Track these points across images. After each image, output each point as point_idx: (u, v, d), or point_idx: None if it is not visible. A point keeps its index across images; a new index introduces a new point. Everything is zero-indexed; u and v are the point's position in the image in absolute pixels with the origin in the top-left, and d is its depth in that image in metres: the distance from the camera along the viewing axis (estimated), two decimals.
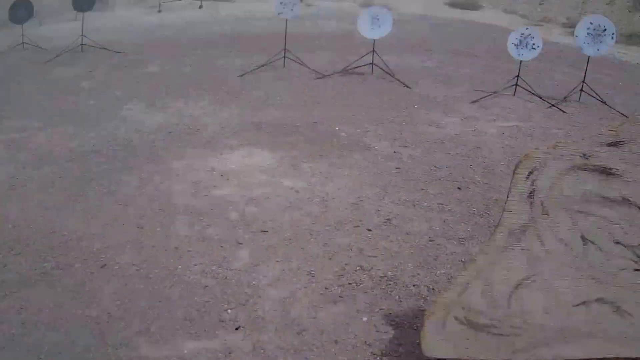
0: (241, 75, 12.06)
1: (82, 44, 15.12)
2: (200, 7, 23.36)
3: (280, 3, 12.58)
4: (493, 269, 3.64)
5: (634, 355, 4.10)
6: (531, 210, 3.56)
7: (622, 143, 3.57)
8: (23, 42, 15.43)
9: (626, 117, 10.47)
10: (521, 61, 11.33)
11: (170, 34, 17.76)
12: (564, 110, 10.91)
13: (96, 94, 11.18)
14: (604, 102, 11.41)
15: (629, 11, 22.66)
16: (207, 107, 10.14)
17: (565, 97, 11.58)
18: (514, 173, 3.54)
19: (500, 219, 3.57)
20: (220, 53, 14.59)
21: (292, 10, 12.56)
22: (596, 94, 11.52)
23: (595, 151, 3.58)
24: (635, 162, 3.61)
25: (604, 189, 3.62)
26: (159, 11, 22.83)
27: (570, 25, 19.77)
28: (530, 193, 3.53)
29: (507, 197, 3.55)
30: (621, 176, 3.61)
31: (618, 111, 11.03)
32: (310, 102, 10.42)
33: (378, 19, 12.06)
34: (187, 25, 19.51)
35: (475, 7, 23.95)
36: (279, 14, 12.61)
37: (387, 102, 10.68)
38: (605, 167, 3.60)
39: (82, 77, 12.52)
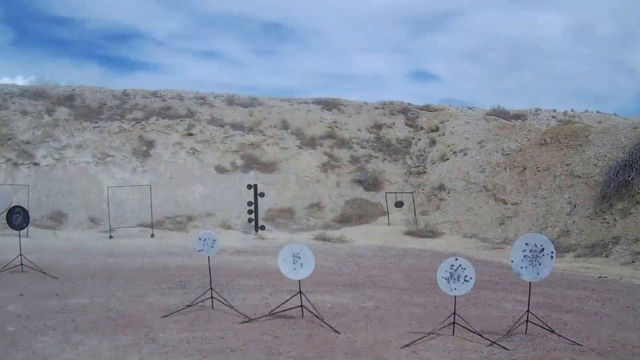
0: (165, 316, 11.22)
1: (22, 264, 15.61)
2: (152, 235, 23.65)
3: (200, 239, 12.01)
4: None
5: None
6: None
7: None
8: None
9: (579, 344, 9.53)
10: (455, 296, 10.18)
11: (113, 262, 17.61)
12: (506, 347, 9.77)
13: (18, 320, 10.75)
14: (552, 331, 10.33)
15: (591, 219, 22.27)
16: (120, 349, 9.22)
17: (509, 331, 10.48)
18: None
19: None
20: (155, 286, 14.16)
21: (212, 247, 11.88)
22: (543, 323, 10.45)
23: None
24: None
25: None
26: (110, 237, 23.26)
27: None
28: None
29: None
30: None
31: (568, 339, 9.91)
32: (228, 358, 9.34)
33: (299, 258, 11.11)
34: (133, 254, 19.37)
35: (435, 234, 23.60)
36: (199, 251, 11.97)
37: (312, 353, 9.60)
38: None
39: (10, 300, 12.41)
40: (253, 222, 24.51)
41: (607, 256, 19.54)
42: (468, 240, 22.64)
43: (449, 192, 27.96)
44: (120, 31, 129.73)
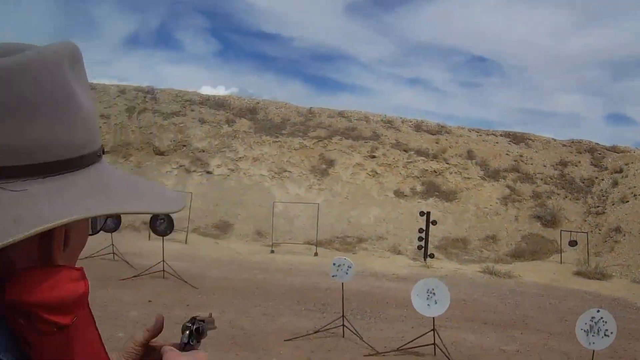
0: (288, 339, 11.27)
1: (163, 271, 15.97)
2: (316, 254, 23.88)
3: (334, 264, 11.94)
4: None
5: None
6: None
7: None
8: (113, 252, 17.42)
9: None
10: (594, 351, 9.59)
11: (263, 277, 18.02)
12: None
13: (133, 326, 10.91)
14: None
15: None
16: None
17: None
18: None
19: None
20: (294, 307, 14.26)
21: (346, 273, 11.78)
22: None
23: None
24: None
25: None
26: (272, 252, 23.76)
27: None
28: None
29: None
30: None
31: None
32: None
33: (434, 294, 10.79)
34: (288, 271, 19.74)
35: (604, 277, 22.91)
36: (333, 276, 11.94)
37: None
38: None
39: (136, 305, 12.75)
40: (422, 250, 24.64)
41: None
42: (636, 286, 21.71)
43: (624, 235, 26.98)
44: (327, 52, 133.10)
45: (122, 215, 18.13)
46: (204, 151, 32.63)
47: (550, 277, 22.69)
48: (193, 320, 1.82)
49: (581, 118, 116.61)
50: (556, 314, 16.44)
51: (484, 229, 29.80)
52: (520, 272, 23.43)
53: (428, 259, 24.44)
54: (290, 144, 34.07)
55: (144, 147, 33.14)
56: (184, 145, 33.03)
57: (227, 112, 36.68)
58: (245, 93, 42.86)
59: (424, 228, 24.68)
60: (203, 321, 1.87)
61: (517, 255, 27.34)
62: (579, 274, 23.31)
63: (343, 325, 11.80)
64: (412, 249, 26.03)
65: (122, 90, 38.64)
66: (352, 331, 11.65)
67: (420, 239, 24.62)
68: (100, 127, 32.68)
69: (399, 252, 26.03)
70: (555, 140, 39.00)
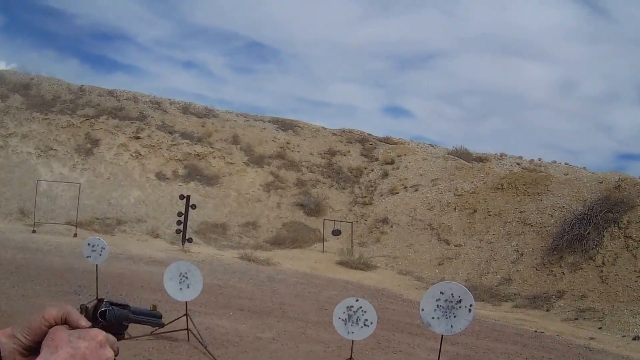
0: None
1: None
2: (75, 235, 22.63)
3: (89, 245, 11.25)
4: None
5: None
6: None
7: None
8: None
9: None
10: (353, 341, 8.96)
11: (22, 257, 17.14)
12: None
13: None
14: None
15: (536, 269, 21.73)
16: None
17: None
18: None
19: None
20: (51, 289, 13.57)
21: (100, 255, 11.07)
22: None
23: None
24: None
25: None
26: (34, 231, 22.46)
27: (469, 288, 18.17)
28: None
29: None
30: None
31: None
32: None
33: (187, 278, 10.08)
34: (48, 252, 18.91)
35: (368, 267, 22.70)
36: (87, 257, 11.23)
37: None
38: None
39: None
40: (181, 234, 23.59)
41: (548, 310, 18.85)
42: (402, 277, 21.90)
43: (391, 226, 27.25)
44: (106, 30, 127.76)
45: None
46: None
47: (310, 266, 22.46)
48: (101, 300, 1.51)
49: (357, 109, 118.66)
50: (315, 302, 16.01)
51: (245, 215, 29.32)
52: (279, 259, 23.01)
53: (186, 244, 23.42)
54: (59, 121, 32.27)
55: None
56: None
57: (2, 87, 34.31)
58: (24, 69, 40.54)
59: (183, 212, 23.70)
60: (121, 306, 1.53)
61: (277, 242, 26.91)
62: (341, 263, 23.04)
63: None
64: (171, 232, 24.95)
65: None
66: None
67: (179, 222, 23.59)
68: None
69: (157, 236, 24.94)
70: (325, 128, 39.14)
